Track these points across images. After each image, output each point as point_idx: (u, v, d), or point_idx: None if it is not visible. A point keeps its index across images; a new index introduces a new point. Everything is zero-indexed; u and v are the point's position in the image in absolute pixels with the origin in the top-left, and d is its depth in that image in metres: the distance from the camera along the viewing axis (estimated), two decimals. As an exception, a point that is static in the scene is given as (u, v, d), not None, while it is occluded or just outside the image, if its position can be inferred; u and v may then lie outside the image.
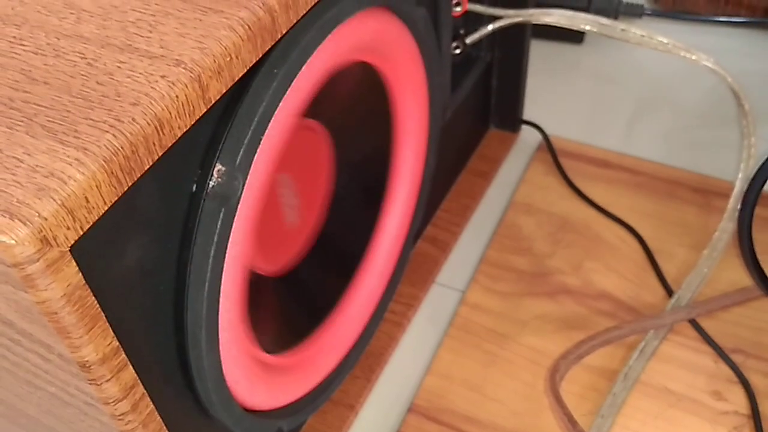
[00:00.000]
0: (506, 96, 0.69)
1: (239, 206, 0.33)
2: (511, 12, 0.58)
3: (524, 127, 0.72)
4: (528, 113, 0.72)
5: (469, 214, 0.65)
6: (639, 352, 0.53)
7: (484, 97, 0.69)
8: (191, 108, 0.28)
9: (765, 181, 0.46)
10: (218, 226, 0.32)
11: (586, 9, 0.82)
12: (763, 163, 0.46)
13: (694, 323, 0.55)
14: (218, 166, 0.32)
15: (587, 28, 0.56)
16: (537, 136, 0.71)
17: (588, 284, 0.59)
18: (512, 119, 0.71)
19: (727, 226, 0.59)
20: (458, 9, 0.56)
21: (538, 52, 0.80)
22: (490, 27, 0.59)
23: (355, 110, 0.48)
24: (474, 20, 0.59)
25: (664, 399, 0.51)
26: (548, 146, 0.70)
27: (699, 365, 0.53)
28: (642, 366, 0.53)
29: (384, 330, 0.55)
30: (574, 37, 0.83)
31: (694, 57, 0.55)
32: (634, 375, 0.52)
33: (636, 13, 0.84)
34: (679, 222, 0.63)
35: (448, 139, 0.61)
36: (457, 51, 0.58)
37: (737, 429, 0.50)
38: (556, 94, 0.77)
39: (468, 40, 0.59)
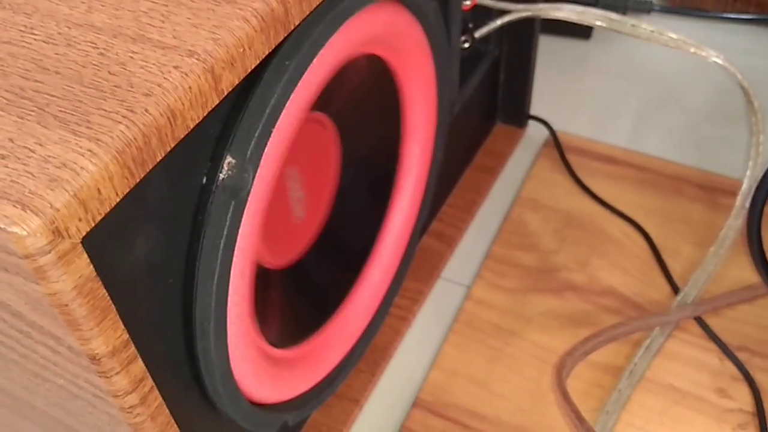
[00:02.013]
0: (513, 91, 0.69)
1: (249, 199, 0.33)
2: (520, 6, 0.58)
3: (531, 122, 0.71)
4: (535, 108, 0.71)
5: (475, 210, 0.64)
6: (644, 349, 0.53)
7: (491, 91, 0.68)
8: (204, 99, 0.28)
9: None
10: (228, 219, 0.32)
11: (595, 4, 0.82)
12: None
13: (699, 320, 0.55)
14: (229, 159, 0.32)
15: (598, 23, 0.55)
16: (544, 132, 0.71)
17: (594, 281, 0.59)
18: (519, 114, 0.71)
19: (734, 223, 0.59)
20: (468, 2, 0.55)
21: (546, 47, 0.80)
22: (499, 21, 0.59)
23: (364, 103, 0.48)
24: (483, 14, 0.59)
25: (669, 396, 0.51)
26: (555, 142, 0.70)
27: (704, 363, 0.53)
28: (647, 363, 0.53)
29: (389, 324, 0.55)
30: (582, 32, 0.83)
31: (703, 53, 0.54)
32: (639, 372, 0.52)
33: (644, 9, 0.84)
34: (686, 219, 0.63)
35: (455, 133, 0.60)
36: (466, 45, 0.57)
37: (742, 426, 0.50)
38: (563, 89, 0.77)
39: (477, 34, 0.58)
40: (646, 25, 0.55)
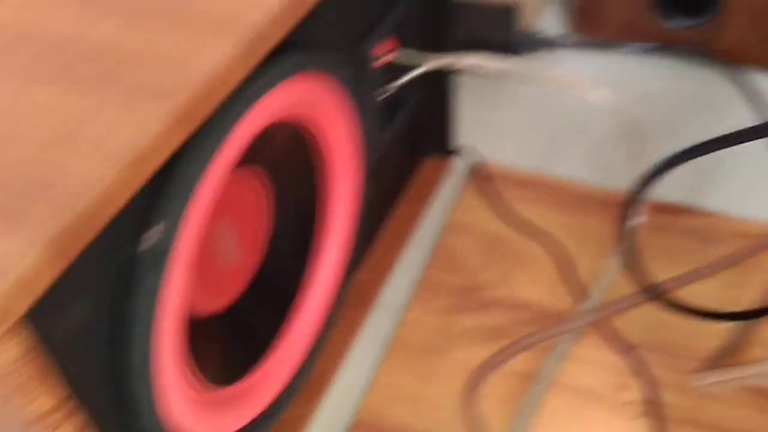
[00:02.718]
0: (438, 127, 0.76)
1: (174, 259, 0.38)
2: (432, 58, 0.63)
3: (456, 152, 0.78)
4: (460, 139, 0.78)
5: (407, 238, 0.71)
6: (554, 354, 0.60)
7: (417, 129, 0.74)
8: (128, 187, 0.34)
9: (640, 196, 0.52)
10: (153, 281, 0.37)
11: (507, 41, 0.90)
12: (638, 182, 0.52)
13: (602, 324, 0.62)
14: (152, 225, 0.37)
15: (497, 69, 0.62)
16: (469, 161, 0.77)
17: (514, 296, 0.66)
18: (444, 147, 0.77)
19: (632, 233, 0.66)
20: (385, 58, 0.61)
21: (469, 77, 0.86)
22: (414, 73, 0.65)
23: (289, 156, 0.54)
24: (400, 66, 0.65)
25: (578, 397, 0.58)
26: (479, 170, 0.76)
27: (607, 362, 0.60)
28: (557, 368, 0.59)
29: (326, 354, 0.60)
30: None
31: (587, 94, 0.61)
32: (549, 377, 0.59)
33: (557, 44, 0.91)
34: (594, 234, 0.70)
35: (384, 170, 0.66)
36: (385, 95, 0.63)
37: (643, 415, 0.56)
38: (486, 119, 0.83)
39: (394, 84, 0.64)
40: (545, 68, 0.62)
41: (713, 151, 0.47)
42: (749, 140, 0.44)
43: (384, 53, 0.61)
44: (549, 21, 1.00)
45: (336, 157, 0.55)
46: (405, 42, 0.63)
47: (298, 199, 0.56)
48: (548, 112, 0.84)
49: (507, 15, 0.93)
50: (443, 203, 0.74)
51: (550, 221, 0.71)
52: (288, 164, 0.54)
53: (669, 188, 0.69)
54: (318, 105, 0.50)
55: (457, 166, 0.77)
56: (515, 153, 0.79)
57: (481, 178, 0.76)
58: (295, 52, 0.45)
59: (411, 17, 0.64)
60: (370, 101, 0.60)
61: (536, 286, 0.66)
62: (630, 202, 0.53)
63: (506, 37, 0.91)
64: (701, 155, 0.47)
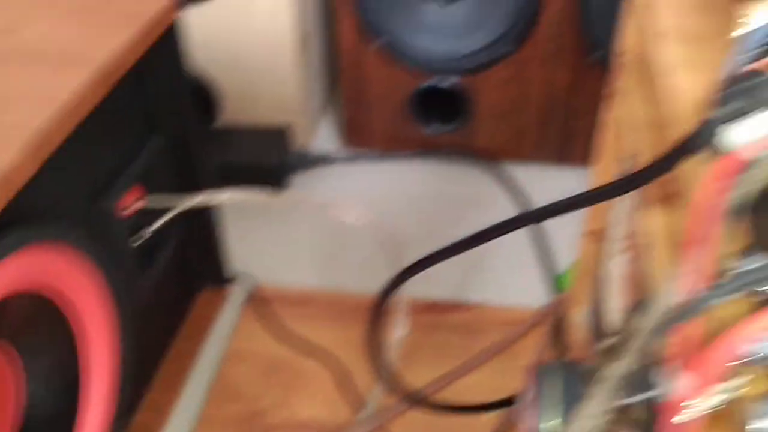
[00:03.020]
0: (208, 258, 0.77)
1: None
2: (184, 199, 0.65)
3: (232, 280, 0.80)
4: (235, 266, 0.80)
5: (186, 375, 0.71)
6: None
7: (186, 264, 0.76)
8: None
9: (384, 305, 0.57)
10: None
11: (282, 162, 0.95)
12: (382, 291, 0.57)
13: (382, 428, 0.65)
14: None
15: (254, 201, 0.65)
16: (246, 287, 0.79)
17: (295, 416, 0.67)
18: (219, 277, 0.79)
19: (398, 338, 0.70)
20: (134, 207, 0.62)
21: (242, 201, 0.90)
22: (166, 216, 0.66)
23: (35, 323, 0.53)
24: (153, 210, 0.66)
25: None
26: (256, 295, 0.78)
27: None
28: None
29: None
30: (274, 183, 0.94)
31: (347, 215, 0.66)
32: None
33: (330, 159, 0.98)
34: (368, 342, 0.73)
35: (153, 312, 0.67)
36: (138, 242, 0.64)
37: None
38: (258, 243, 0.87)
39: (148, 230, 0.65)
40: (296, 196, 0.66)
41: (461, 251, 0.46)
42: (502, 234, 0.44)
43: (132, 202, 0.62)
44: (323, 138, 1.07)
45: (84, 314, 0.55)
46: (155, 186, 0.65)
47: (52, 363, 0.55)
48: (318, 229, 0.89)
49: (281, 136, 0.99)
50: (221, 334, 0.75)
51: (327, 336, 0.74)
52: (35, 331, 0.53)
53: (437, 286, 0.74)
54: (51, 271, 0.50)
55: (234, 294, 0.79)
56: (291, 272, 0.82)
57: (259, 302, 0.78)
58: (13, 229, 0.45)
59: (159, 162, 0.67)
60: (122, 251, 0.61)
61: (316, 403, 0.68)
62: (375, 311, 0.57)
63: (281, 158, 0.96)
64: (449, 257, 0.48)
